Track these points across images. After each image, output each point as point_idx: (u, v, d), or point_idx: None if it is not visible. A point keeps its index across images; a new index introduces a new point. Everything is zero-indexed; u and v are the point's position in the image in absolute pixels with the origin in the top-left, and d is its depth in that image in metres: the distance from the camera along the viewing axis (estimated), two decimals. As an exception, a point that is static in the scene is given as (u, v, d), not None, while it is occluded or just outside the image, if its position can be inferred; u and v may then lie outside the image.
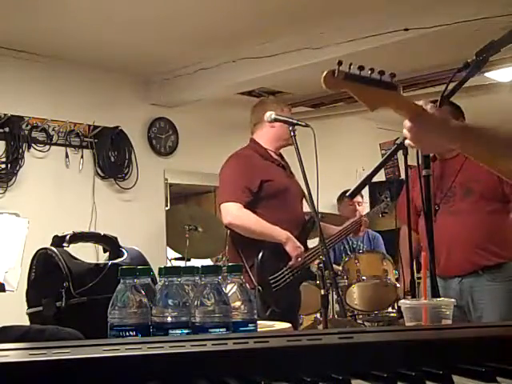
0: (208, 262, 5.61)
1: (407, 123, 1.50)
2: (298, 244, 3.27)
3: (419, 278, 3.41)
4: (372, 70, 1.44)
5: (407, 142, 1.53)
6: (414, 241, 3.03)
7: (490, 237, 3.06)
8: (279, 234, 3.25)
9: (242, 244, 3.34)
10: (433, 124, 1.49)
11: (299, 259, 3.24)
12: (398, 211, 3.35)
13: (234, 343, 0.91)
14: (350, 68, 1.42)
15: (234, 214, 3.25)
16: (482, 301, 3.05)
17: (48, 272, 2.09)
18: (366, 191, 6.54)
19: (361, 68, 1.43)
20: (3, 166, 5.00)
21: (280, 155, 3.57)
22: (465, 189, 3.09)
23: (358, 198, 5.12)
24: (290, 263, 3.23)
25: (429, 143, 1.54)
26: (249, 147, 3.53)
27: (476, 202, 3.07)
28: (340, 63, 1.41)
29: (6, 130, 5.02)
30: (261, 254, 3.21)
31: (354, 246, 5.11)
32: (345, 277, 4.17)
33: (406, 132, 1.51)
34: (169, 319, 1.22)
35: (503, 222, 3.11)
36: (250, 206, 3.28)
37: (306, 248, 3.40)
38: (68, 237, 2.21)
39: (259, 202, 3.31)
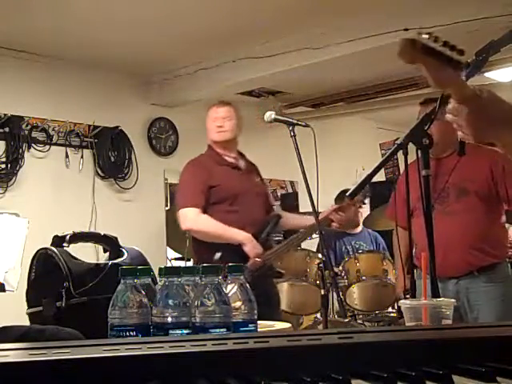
0: (208, 261, 5.60)
1: (458, 107, 1.42)
2: (257, 245, 3.29)
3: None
4: (445, 43, 1.37)
5: (461, 133, 1.45)
6: (405, 239, 3.02)
7: (485, 237, 3.06)
8: (239, 235, 3.29)
9: (197, 244, 3.41)
10: (486, 109, 1.42)
11: (257, 260, 3.26)
12: (394, 210, 3.32)
13: (234, 343, 0.91)
14: (428, 39, 1.34)
15: (192, 219, 3.30)
16: (477, 302, 3.06)
17: (48, 272, 2.09)
18: (365, 191, 6.53)
19: (436, 40, 1.36)
20: (3, 165, 5.00)
21: (241, 155, 3.61)
22: (459, 189, 3.09)
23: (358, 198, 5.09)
24: (248, 264, 3.24)
25: (481, 129, 1.44)
26: (204, 153, 3.61)
27: (471, 202, 3.06)
28: (420, 33, 1.34)
29: (6, 130, 5.02)
30: (218, 255, 3.23)
31: (357, 246, 5.10)
32: (345, 277, 4.16)
33: (452, 117, 1.44)
34: (169, 319, 1.22)
35: (497, 223, 3.12)
36: (205, 210, 3.34)
37: (268, 247, 3.41)
38: (68, 237, 2.21)
39: (208, 207, 3.36)
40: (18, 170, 5.06)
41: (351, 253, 4.92)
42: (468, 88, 1.45)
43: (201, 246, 3.39)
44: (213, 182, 3.38)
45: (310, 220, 3.56)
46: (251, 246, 3.27)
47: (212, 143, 3.56)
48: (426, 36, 1.35)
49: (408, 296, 3.38)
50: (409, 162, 2.46)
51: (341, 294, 3.58)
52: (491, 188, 3.06)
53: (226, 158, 3.53)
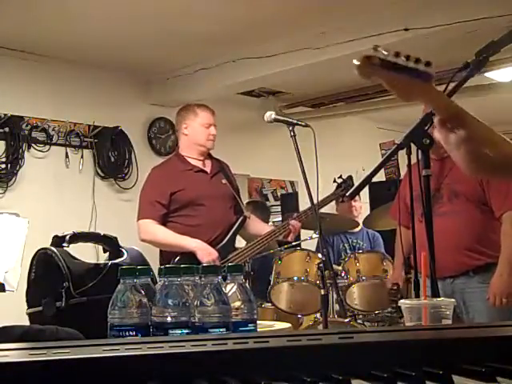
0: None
1: (437, 126, 1.47)
2: (210, 250, 3.34)
3: (407, 274, 3.42)
4: (408, 57, 1.36)
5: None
6: (406, 238, 3.02)
7: (478, 238, 3.05)
8: (188, 243, 3.36)
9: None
10: (466, 129, 1.46)
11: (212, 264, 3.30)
12: (397, 210, 3.33)
13: (234, 343, 0.91)
14: (386, 54, 1.33)
15: (145, 230, 3.45)
16: (472, 302, 3.05)
17: (48, 272, 2.09)
18: (365, 191, 6.54)
19: (397, 54, 1.35)
20: (3, 165, 5.00)
21: (209, 156, 3.65)
22: (451, 191, 3.10)
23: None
24: None
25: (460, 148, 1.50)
26: (169, 159, 3.74)
27: (462, 203, 3.06)
28: (376, 48, 1.33)
29: (6, 130, 5.02)
30: (177, 258, 3.33)
31: (354, 244, 5.11)
32: (345, 277, 4.16)
33: (437, 134, 1.49)
34: (169, 319, 1.22)
35: (493, 223, 3.10)
36: (166, 217, 3.44)
37: (233, 249, 3.47)
38: (68, 237, 2.21)
39: (173, 213, 3.46)
40: (18, 170, 5.06)
41: (349, 250, 4.93)
42: (442, 100, 1.46)
43: (164, 250, 3.51)
44: (174, 188, 3.45)
45: (268, 228, 3.62)
46: (202, 254, 3.33)
47: (192, 145, 3.59)
48: (385, 52, 1.34)
49: (395, 288, 3.40)
50: (412, 162, 2.46)
51: (341, 293, 3.57)
52: (480, 191, 3.05)
53: (191, 161, 3.58)
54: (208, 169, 3.60)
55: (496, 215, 3.05)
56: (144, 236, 3.43)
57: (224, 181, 3.59)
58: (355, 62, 1.33)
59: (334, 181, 3.75)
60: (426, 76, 1.39)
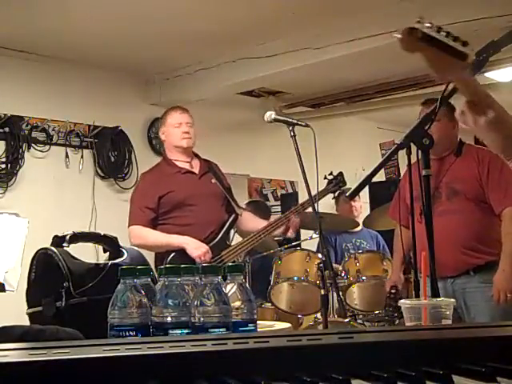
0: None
1: (465, 108, 1.52)
2: (199, 245, 3.37)
3: (405, 274, 3.42)
4: (448, 33, 1.41)
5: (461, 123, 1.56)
6: (406, 237, 3.02)
7: (478, 236, 3.05)
8: (177, 240, 3.39)
9: None
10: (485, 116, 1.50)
11: (203, 258, 3.32)
12: (396, 209, 3.33)
13: (234, 343, 0.91)
14: (429, 27, 1.38)
15: (134, 235, 3.48)
16: (474, 302, 3.05)
17: (48, 272, 2.09)
18: (365, 191, 6.54)
19: (439, 30, 1.39)
20: (3, 165, 5.00)
21: (196, 157, 3.67)
22: (450, 189, 3.10)
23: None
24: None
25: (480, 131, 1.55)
26: (157, 164, 3.75)
27: (461, 202, 3.06)
28: (419, 21, 1.38)
29: (6, 130, 5.02)
30: (170, 256, 3.35)
31: (358, 243, 5.11)
32: (345, 277, 4.16)
33: (460, 116, 1.54)
34: (169, 319, 1.22)
35: (492, 221, 3.10)
36: (156, 221, 3.48)
37: (225, 246, 3.49)
38: (68, 237, 2.21)
39: (163, 215, 3.49)
40: (18, 170, 5.06)
41: (352, 250, 4.92)
42: (471, 85, 1.51)
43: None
44: (163, 191, 3.47)
45: (263, 223, 3.62)
46: (191, 248, 3.35)
47: (172, 149, 3.61)
48: (428, 25, 1.38)
49: (393, 291, 3.40)
50: (412, 162, 2.46)
51: (341, 293, 3.57)
52: (479, 189, 3.06)
53: (178, 164, 3.60)
54: (196, 169, 3.62)
55: (496, 212, 3.05)
56: (135, 241, 3.44)
57: (213, 180, 3.60)
58: (397, 35, 1.38)
59: (325, 177, 3.76)
60: (462, 55, 1.43)
